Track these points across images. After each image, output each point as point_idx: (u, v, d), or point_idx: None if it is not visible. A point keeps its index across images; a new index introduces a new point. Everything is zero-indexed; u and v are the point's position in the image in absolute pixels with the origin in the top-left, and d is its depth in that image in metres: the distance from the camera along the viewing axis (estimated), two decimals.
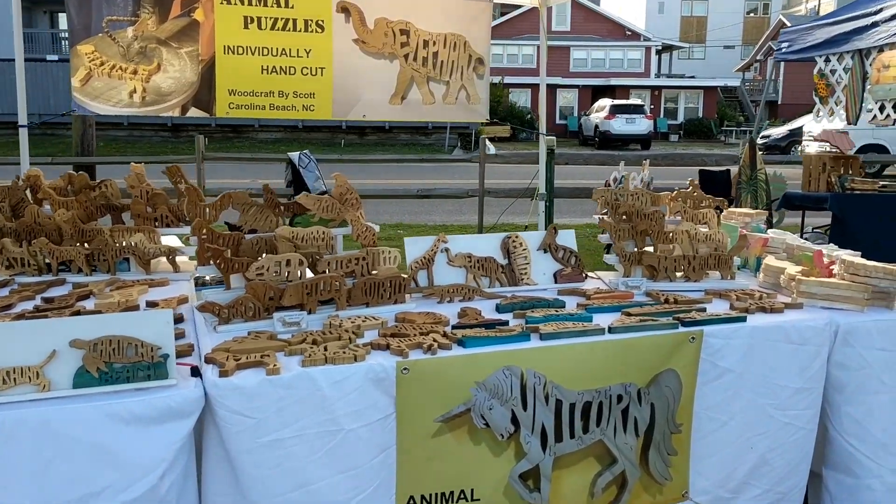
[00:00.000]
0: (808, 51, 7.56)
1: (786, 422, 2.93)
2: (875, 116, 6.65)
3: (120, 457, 2.14)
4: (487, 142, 27.48)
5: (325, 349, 2.46)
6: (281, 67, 5.50)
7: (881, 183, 8.31)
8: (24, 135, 5.13)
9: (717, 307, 3.06)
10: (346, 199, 3.26)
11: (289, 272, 2.86)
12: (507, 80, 39.32)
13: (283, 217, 3.25)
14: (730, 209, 4.25)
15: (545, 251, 3.38)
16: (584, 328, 2.71)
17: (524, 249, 3.32)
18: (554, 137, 10.61)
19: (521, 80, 40.34)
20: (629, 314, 2.90)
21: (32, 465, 2.09)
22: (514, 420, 2.55)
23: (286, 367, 2.37)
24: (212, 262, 2.84)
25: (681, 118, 40.97)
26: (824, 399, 3.04)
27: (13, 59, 4.99)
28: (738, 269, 3.71)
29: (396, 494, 2.52)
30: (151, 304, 2.98)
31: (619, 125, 30.76)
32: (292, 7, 5.44)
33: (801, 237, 9.04)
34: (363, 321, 2.75)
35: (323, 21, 5.53)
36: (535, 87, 40.99)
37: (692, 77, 46.67)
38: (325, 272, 2.95)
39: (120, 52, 5.14)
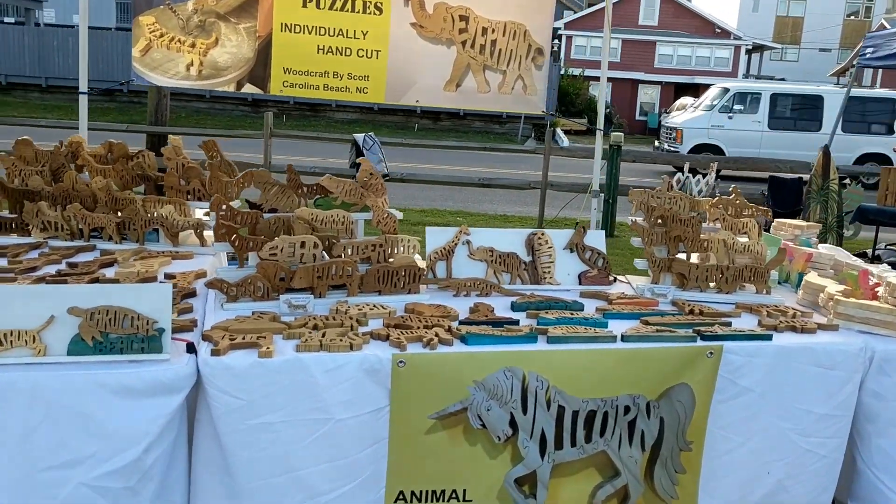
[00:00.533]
0: (892, 57, 7.15)
1: (807, 448, 2.77)
2: None
3: (105, 427, 2.16)
4: (560, 133, 27.06)
5: (324, 335, 2.42)
6: (337, 48, 5.49)
7: None
8: (83, 101, 5.28)
9: (745, 322, 2.91)
10: (370, 184, 3.21)
11: (303, 254, 2.83)
12: (589, 72, 38.72)
13: (306, 198, 3.23)
14: (780, 220, 4.05)
15: (571, 251, 3.27)
16: (595, 334, 2.61)
17: (549, 248, 3.22)
18: (622, 134, 10.42)
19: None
20: (647, 323, 2.77)
21: (19, 428, 2.12)
22: (513, 423, 2.47)
23: (281, 351, 2.34)
24: (226, 239, 2.83)
25: None
26: (854, 429, 2.87)
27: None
28: (779, 284, 3.53)
29: (386, 488, 2.47)
30: (169, 277, 3.00)
31: None
32: None
33: (873, 253, 8.63)
34: (370, 309, 2.71)
35: (381, 3, 5.49)
36: (616, 81, 40.30)
37: (782, 79, 45.03)
38: (340, 257, 2.92)
39: (179, 24, 5.21)
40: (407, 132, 25.64)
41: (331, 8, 5.42)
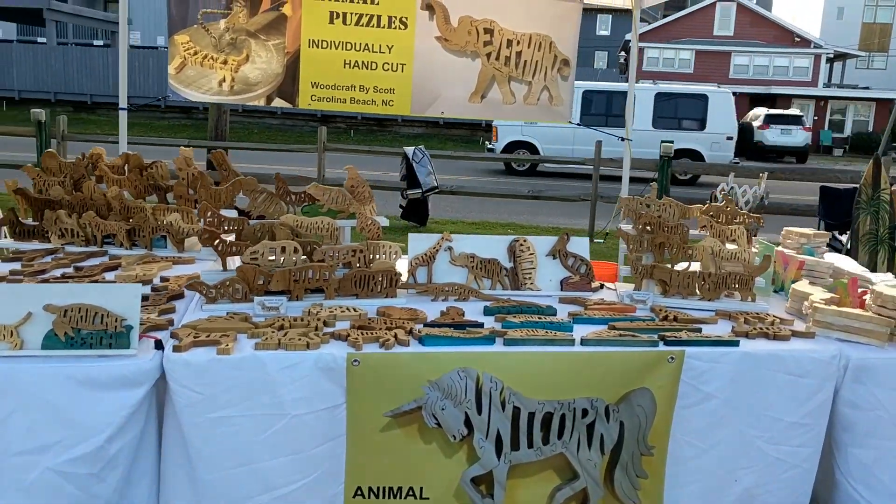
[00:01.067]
0: None
1: (777, 457, 2.73)
2: None
3: (71, 416, 2.31)
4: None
5: (285, 335, 2.53)
6: (363, 62, 5.64)
7: None
8: (123, 117, 5.56)
9: (722, 329, 2.89)
10: (358, 192, 3.32)
11: (283, 259, 2.96)
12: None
13: (294, 206, 3.36)
14: (788, 228, 3.98)
15: (554, 257, 3.30)
16: (553, 337, 2.64)
17: (531, 254, 3.26)
18: (671, 144, 10.30)
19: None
20: (614, 327, 2.79)
21: None
22: (468, 423, 2.53)
23: (241, 349, 2.46)
24: (210, 244, 2.98)
25: (847, 131, 38.32)
26: (832, 439, 2.82)
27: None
28: (775, 292, 3.48)
29: (345, 484, 2.56)
30: (164, 280, 3.17)
31: (773, 136, 29.11)
32: (377, 3, 5.56)
33: None
34: (341, 311, 2.81)
35: (406, 18, 5.62)
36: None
37: (866, 88, 43.49)
38: (321, 262, 3.03)
39: (212, 42, 5.45)
40: (472, 145, 25.82)
41: (357, 24, 5.58)
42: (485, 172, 18.77)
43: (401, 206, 11.40)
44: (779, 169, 9.83)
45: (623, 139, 6.13)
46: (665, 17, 46.26)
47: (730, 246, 3.32)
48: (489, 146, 19.02)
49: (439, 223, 11.69)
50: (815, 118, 38.36)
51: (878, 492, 2.74)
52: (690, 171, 13.08)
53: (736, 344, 2.70)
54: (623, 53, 43.94)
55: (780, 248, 3.52)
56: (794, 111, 32.15)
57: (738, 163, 18.12)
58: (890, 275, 3.53)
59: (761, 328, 2.83)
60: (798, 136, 29.32)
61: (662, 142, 10.09)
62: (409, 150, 11.15)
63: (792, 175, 10.19)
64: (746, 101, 38.94)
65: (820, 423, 2.74)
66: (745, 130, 18.27)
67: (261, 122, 27.86)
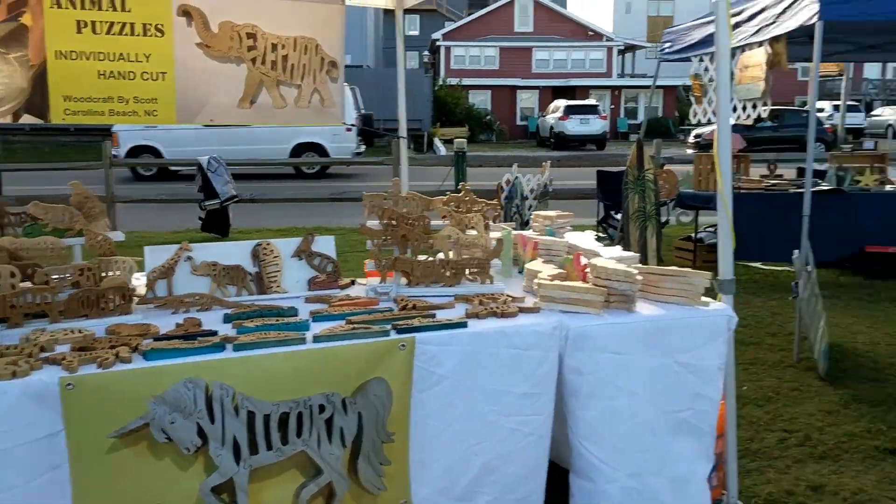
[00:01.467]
0: (685, 51, 7.58)
1: (512, 428, 2.89)
2: (738, 116, 6.67)
3: None
4: (437, 142, 27.50)
5: None
6: (119, 72, 5.39)
7: (767, 182, 8.38)
8: None
9: (458, 312, 3.02)
10: (86, 207, 3.18)
11: None
12: (468, 81, 39.48)
13: (14, 227, 3.17)
14: (536, 212, 4.23)
15: (300, 258, 3.33)
16: (283, 338, 2.66)
17: (275, 257, 3.27)
18: (465, 140, 10.66)
19: (482, 81, 40.59)
20: (350, 322, 2.85)
21: None
22: (202, 433, 2.49)
23: None
24: None
25: (640, 118, 41.22)
26: (564, 404, 3.01)
27: None
28: (519, 272, 3.68)
29: None
30: None
31: (574, 126, 30.83)
32: (129, 11, 5.33)
33: (696, 236, 9.06)
34: (63, 335, 2.68)
35: (162, 25, 5.43)
36: (495, 89, 41.13)
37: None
38: (46, 284, 2.88)
39: None
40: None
41: (108, 32, 5.33)
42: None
43: (200, 219, 11.05)
44: (565, 157, 10.41)
45: (400, 137, 6.26)
46: (469, 14, 47.75)
47: (470, 233, 3.47)
48: (113, 152, 18.57)
49: (243, 233, 11.44)
50: (612, 107, 40.95)
51: (605, 448, 2.97)
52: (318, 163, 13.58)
53: (464, 325, 2.83)
54: (428, 53, 44.88)
55: (518, 231, 3.72)
56: (591, 101, 34.14)
57: (361, 153, 18.67)
58: (618, 248, 3.83)
59: (492, 308, 2.99)
60: (596, 125, 31.19)
61: (455, 136, 10.39)
62: (204, 159, 10.83)
63: (580, 162, 10.82)
64: (549, 94, 40.96)
65: (548, 391, 2.93)
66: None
67: (53, 140, 26.07)
